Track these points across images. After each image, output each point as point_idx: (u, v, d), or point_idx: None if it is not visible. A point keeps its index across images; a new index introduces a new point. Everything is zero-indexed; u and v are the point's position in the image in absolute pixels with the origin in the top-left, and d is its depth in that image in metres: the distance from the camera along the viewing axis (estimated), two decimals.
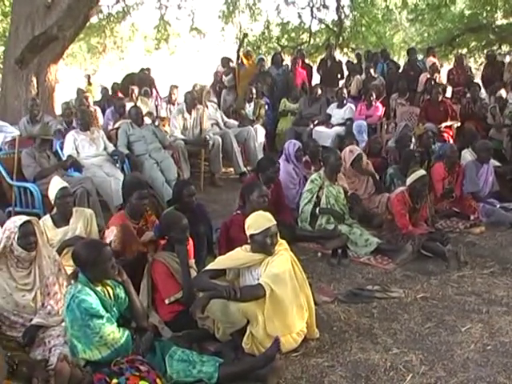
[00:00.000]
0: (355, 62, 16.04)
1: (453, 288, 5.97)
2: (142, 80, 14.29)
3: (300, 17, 21.24)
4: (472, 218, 8.17)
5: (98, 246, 4.39)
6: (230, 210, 7.17)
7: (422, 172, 7.27)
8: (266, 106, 12.75)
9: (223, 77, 14.58)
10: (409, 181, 7.23)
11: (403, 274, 6.36)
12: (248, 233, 4.78)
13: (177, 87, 13.03)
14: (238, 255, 4.86)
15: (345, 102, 12.37)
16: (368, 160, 8.82)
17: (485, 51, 19.67)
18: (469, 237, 7.62)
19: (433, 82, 12.62)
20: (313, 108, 12.59)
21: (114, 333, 4.21)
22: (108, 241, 5.15)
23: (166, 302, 4.95)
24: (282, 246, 4.84)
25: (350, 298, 5.72)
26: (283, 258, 4.70)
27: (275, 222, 4.79)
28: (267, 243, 4.68)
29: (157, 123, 11.35)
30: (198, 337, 4.79)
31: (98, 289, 4.32)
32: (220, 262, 4.92)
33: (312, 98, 12.80)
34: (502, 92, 11.94)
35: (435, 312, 5.42)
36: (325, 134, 11.68)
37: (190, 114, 10.58)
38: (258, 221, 4.78)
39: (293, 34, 22.11)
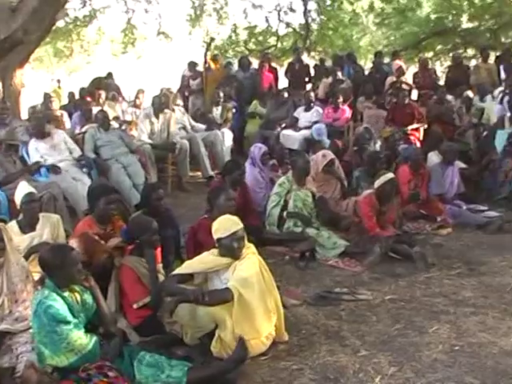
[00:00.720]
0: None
1: (420, 289, 6.01)
2: (108, 84, 14.21)
3: (267, 20, 21.24)
4: (439, 219, 8.22)
5: (64, 250, 4.35)
6: (197, 214, 7.13)
7: (390, 175, 7.33)
8: (234, 110, 12.77)
9: (190, 81, 14.57)
10: (377, 184, 7.27)
11: (371, 277, 6.40)
12: (215, 237, 4.78)
13: (143, 91, 12.98)
14: (206, 259, 4.85)
15: (312, 105, 12.40)
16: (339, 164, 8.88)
17: (450, 54, 19.91)
18: (436, 238, 7.71)
19: (399, 85, 12.73)
20: (280, 111, 12.62)
21: (81, 338, 4.17)
22: None
23: (134, 306, 4.93)
24: (250, 249, 4.84)
25: (318, 300, 5.73)
26: (251, 261, 4.71)
27: (242, 226, 4.78)
28: (234, 247, 4.68)
29: (124, 127, 11.29)
30: (166, 341, 4.77)
31: (66, 294, 4.28)
32: (188, 267, 4.90)
33: (278, 101, 12.82)
34: (469, 93, 12.11)
35: (403, 314, 5.45)
36: (292, 138, 11.70)
37: (158, 118, 10.54)
38: (225, 225, 4.78)
39: (260, 38, 22.10)
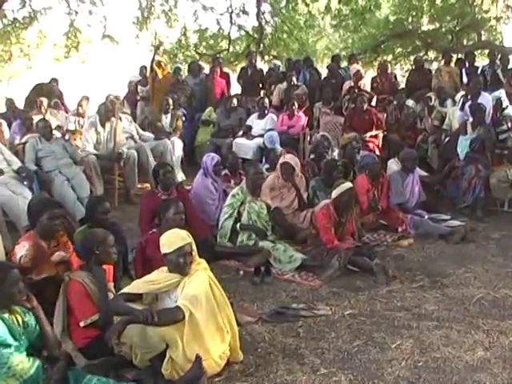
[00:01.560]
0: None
1: (381, 303, 6.06)
2: (51, 91, 14.07)
3: (219, 23, 21.24)
4: (400, 230, 8.35)
5: (4, 269, 4.30)
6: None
7: (348, 184, 7.39)
8: (184, 118, 12.75)
9: (139, 87, 14.53)
10: (334, 194, 7.33)
11: (330, 291, 6.42)
12: (162, 252, 4.78)
13: (88, 98, 12.88)
14: (155, 278, 4.82)
15: (266, 112, 12.46)
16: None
17: (411, 57, 20.14)
18: (397, 250, 7.79)
19: (357, 90, 12.85)
20: (231, 119, 12.67)
21: (23, 363, 4.12)
22: (18, 256, 5.08)
23: (82, 324, 4.87)
24: (201, 265, 4.83)
25: (274, 317, 5.73)
26: (200, 278, 4.69)
27: (190, 241, 4.78)
28: (180, 263, 4.67)
29: (67, 137, 11.19)
30: (114, 364, 4.72)
31: (6, 316, 4.23)
32: (136, 286, 4.86)
33: (228, 108, 12.87)
34: (431, 95, 12.28)
35: (364, 329, 5.48)
36: (245, 146, 11.75)
37: (104, 126, 10.42)
38: (171, 239, 4.78)
39: (211, 42, 22.10)
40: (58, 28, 23.87)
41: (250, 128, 12.29)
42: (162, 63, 15.77)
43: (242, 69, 15.96)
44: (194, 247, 4.81)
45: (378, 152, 10.83)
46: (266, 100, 12.88)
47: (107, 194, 9.66)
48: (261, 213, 7.65)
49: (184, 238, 4.78)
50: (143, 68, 15.22)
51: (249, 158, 11.05)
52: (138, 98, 14.74)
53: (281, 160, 8.60)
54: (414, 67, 15.22)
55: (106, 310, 4.86)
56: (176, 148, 11.54)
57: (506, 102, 10.79)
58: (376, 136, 11.54)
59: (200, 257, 4.92)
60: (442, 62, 14.68)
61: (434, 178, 9.83)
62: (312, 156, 10.13)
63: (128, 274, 6.14)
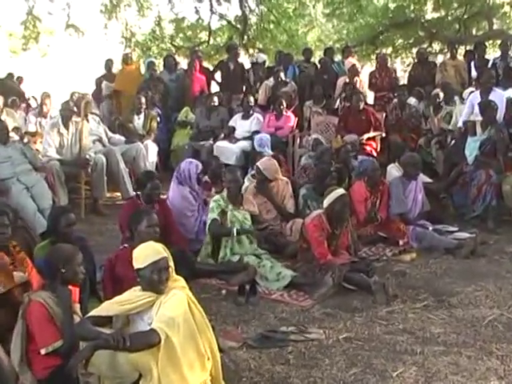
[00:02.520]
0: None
1: (381, 326, 6.05)
2: (7, 88, 14.04)
3: (197, 12, 21.36)
4: (401, 243, 8.38)
5: None
6: (116, 242, 7.12)
7: (340, 191, 7.38)
8: (158, 118, 12.77)
9: (103, 83, 14.52)
10: (326, 202, 7.32)
11: (323, 312, 6.41)
12: (135, 267, 4.76)
13: (50, 96, 12.86)
14: (127, 298, 4.80)
15: (251, 112, 12.49)
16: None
17: (413, 50, 20.20)
18: (398, 265, 7.79)
19: (352, 87, 12.89)
20: (212, 120, 12.69)
21: None
22: None
23: (43, 351, 4.82)
24: (178, 282, 4.81)
25: (261, 342, 5.73)
26: (177, 297, 4.66)
27: (166, 255, 4.74)
28: (154, 279, 4.63)
29: (26, 140, 11.17)
30: None
31: None
32: (105, 308, 4.82)
33: (208, 107, 12.91)
34: (439, 91, 12.32)
35: (361, 355, 5.46)
36: (228, 150, 11.80)
37: (67, 128, 10.39)
38: (144, 253, 4.73)
39: (189, 33, 22.17)
40: (14, 16, 23.85)
41: (232, 130, 12.31)
42: (130, 55, 15.77)
43: (220, 62, 15.95)
44: (171, 263, 4.79)
45: (376, 156, 10.85)
46: (251, 98, 12.90)
47: (72, 205, 9.63)
48: (244, 222, 7.67)
49: (159, 252, 4.74)
50: (109, 62, 15.21)
51: (231, 164, 11.04)
52: (103, 95, 14.73)
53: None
54: (417, 60, 15.24)
55: (71, 335, 4.82)
56: (150, 152, 11.56)
57: None
58: (374, 138, 11.60)
59: (178, 274, 4.91)
60: (448, 55, 14.75)
61: (440, 185, 9.88)
62: (309, 161, 10.15)
63: (96, 295, 6.14)
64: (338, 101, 13.24)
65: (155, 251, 4.73)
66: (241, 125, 12.37)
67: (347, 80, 13.39)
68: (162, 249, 4.78)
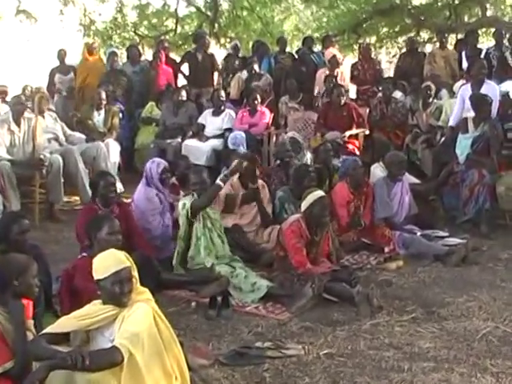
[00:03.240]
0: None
1: (365, 341, 6.05)
2: None
3: None
4: (386, 250, 8.41)
5: None
6: (74, 251, 7.09)
7: (319, 193, 7.39)
8: (121, 115, 12.74)
9: (57, 76, 14.45)
10: (304, 205, 7.34)
11: (302, 326, 6.40)
12: (95, 278, 4.74)
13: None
14: (86, 312, 4.78)
15: (222, 107, 12.48)
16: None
17: (399, 39, 20.27)
18: (383, 274, 7.83)
19: (333, 80, 12.92)
20: (179, 116, 12.68)
21: None
22: None
23: None
24: (143, 295, 4.79)
25: (234, 359, 5.71)
26: (141, 311, 4.64)
27: (128, 265, 4.71)
28: (116, 291, 4.60)
29: None
30: None
31: None
32: (62, 324, 4.79)
33: (176, 102, 12.89)
34: (430, 84, 12.35)
35: (344, 372, 5.46)
36: (197, 150, 11.83)
37: (19, 125, 10.34)
38: (105, 262, 4.70)
39: (154, 20, 22.14)
40: None
41: (202, 127, 12.30)
42: (95, 46, 15.72)
43: (187, 53, 15.94)
44: (135, 273, 4.78)
45: (358, 155, 10.87)
46: (222, 93, 12.89)
47: (25, 210, 9.58)
48: (216, 220, 7.70)
49: (121, 261, 4.70)
50: (62, 52, 15.13)
51: (201, 164, 11.04)
52: (56, 89, 14.67)
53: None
54: (406, 50, 15.31)
55: (24, 354, 4.76)
56: (111, 152, 11.52)
57: None
58: (356, 136, 11.64)
59: (142, 285, 4.90)
60: (437, 45, 14.80)
61: (428, 187, 9.93)
62: (278, 162, 10.17)
63: (52, 310, 6.10)
64: (318, 95, 13.24)
65: (117, 260, 4.70)
66: (211, 122, 12.38)
67: (327, 72, 13.40)
68: (124, 257, 4.75)
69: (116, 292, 4.59)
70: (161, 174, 8.44)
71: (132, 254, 4.96)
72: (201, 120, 12.50)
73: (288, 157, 9.78)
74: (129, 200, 8.90)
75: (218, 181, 7.59)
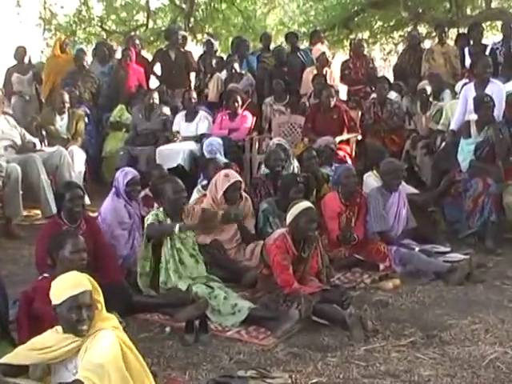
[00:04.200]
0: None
1: (359, 368, 6.03)
2: None
3: None
4: (382, 267, 8.42)
5: None
6: (34, 272, 7.07)
7: (305, 204, 7.37)
8: (87, 119, 12.70)
9: (14, 76, 14.42)
10: (289, 217, 7.32)
11: (288, 352, 6.39)
12: (52, 303, 4.71)
13: None
14: (46, 342, 4.74)
15: (196, 111, 12.48)
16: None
17: (395, 34, 20.33)
18: (378, 294, 7.80)
19: (322, 80, 12.94)
20: (152, 121, 12.68)
21: None
22: None
23: None
24: (109, 322, 4.75)
25: None
26: (106, 340, 4.59)
27: (88, 288, 4.68)
28: (72, 319, 4.57)
29: None
30: None
31: None
32: (20, 355, 4.77)
33: (148, 106, 12.87)
34: (426, 85, 12.35)
35: None
36: (173, 152, 11.85)
37: None
38: (61, 286, 4.70)
39: (123, 14, 22.15)
40: None
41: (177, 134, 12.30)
42: (67, 42, 15.68)
43: (159, 51, 15.97)
44: (100, 297, 4.77)
45: (350, 163, 10.88)
46: (194, 94, 12.88)
47: None
48: (186, 238, 7.67)
49: (79, 285, 4.67)
50: (20, 49, 15.05)
51: (178, 165, 11.12)
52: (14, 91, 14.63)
53: (221, 176, 8.63)
54: (407, 46, 15.39)
55: None
56: (76, 160, 11.49)
57: None
58: (348, 141, 11.65)
59: (111, 309, 4.88)
60: (436, 40, 14.83)
61: (428, 197, 9.93)
62: (265, 171, 10.17)
63: (8, 337, 6.07)
64: (305, 97, 13.27)
65: (74, 284, 4.67)
66: (185, 128, 12.40)
67: (315, 71, 13.45)
68: (84, 280, 4.72)
69: (72, 319, 4.57)
70: (127, 185, 8.45)
71: (99, 274, 4.94)
72: (175, 127, 12.53)
73: (280, 166, 9.77)
74: (95, 214, 8.86)
75: (176, 226, 7.49)
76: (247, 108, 12.67)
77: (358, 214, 8.80)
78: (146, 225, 7.66)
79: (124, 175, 8.51)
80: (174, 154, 11.78)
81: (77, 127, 12.17)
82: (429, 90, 12.21)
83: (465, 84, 11.29)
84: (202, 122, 12.40)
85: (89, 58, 14.90)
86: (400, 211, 8.98)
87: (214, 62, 14.89)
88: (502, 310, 7.25)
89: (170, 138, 12.30)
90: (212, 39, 16.74)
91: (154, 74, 15.58)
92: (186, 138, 12.23)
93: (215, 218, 8.28)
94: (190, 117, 12.47)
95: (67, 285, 4.67)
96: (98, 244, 7.37)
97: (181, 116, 12.61)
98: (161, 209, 7.80)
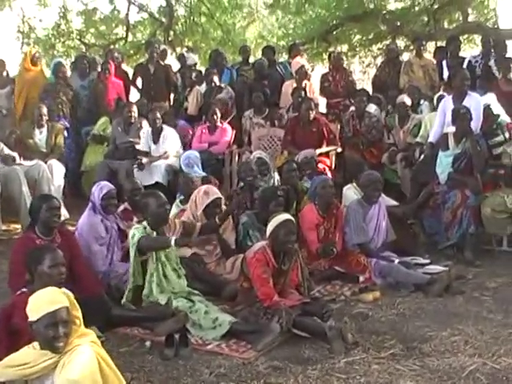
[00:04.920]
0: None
1: (339, 380, 6.03)
2: None
3: (112, 2, 21.29)
4: (362, 279, 8.42)
5: None
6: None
7: (284, 216, 7.37)
8: (66, 133, 12.66)
9: None
10: (269, 230, 7.31)
11: (269, 365, 6.37)
12: (28, 320, 4.68)
13: None
14: (24, 358, 4.69)
15: (160, 129, 12.37)
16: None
17: (374, 47, 20.38)
18: (358, 307, 7.81)
19: (302, 93, 12.95)
20: (131, 134, 12.63)
21: None
22: None
23: None
24: (87, 337, 4.70)
25: None
26: (84, 356, 4.55)
27: (64, 304, 4.62)
28: (48, 336, 4.51)
29: None
30: None
31: None
32: None
33: (126, 119, 12.81)
34: (405, 98, 12.35)
35: None
36: (153, 167, 11.82)
37: None
38: (37, 303, 4.63)
39: (102, 27, 22.11)
40: None
41: (146, 154, 12.29)
42: (38, 56, 15.61)
43: (139, 65, 15.89)
44: (78, 312, 4.72)
45: (330, 175, 10.85)
46: (158, 114, 12.65)
47: None
48: (170, 253, 7.62)
49: (55, 301, 4.61)
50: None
51: (157, 182, 11.17)
52: None
53: (200, 192, 8.61)
54: (386, 59, 15.42)
55: None
56: (55, 174, 11.44)
57: (497, 109, 10.83)
58: (327, 154, 11.64)
59: (91, 323, 4.84)
60: (414, 53, 14.87)
61: (407, 209, 9.94)
62: (242, 184, 10.17)
63: None
64: (284, 110, 13.27)
65: (50, 300, 4.62)
66: (155, 149, 12.32)
67: (294, 84, 13.45)
68: (60, 296, 4.67)
69: (49, 336, 4.51)
70: (102, 199, 8.42)
71: (77, 288, 4.92)
72: (143, 147, 12.45)
73: (252, 178, 9.76)
74: (74, 228, 8.82)
75: (172, 240, 7.40)
76: (231, 121, 12.65)
77: (336, 225, 8.80)
78: (132, 239, 7.56)
79: (99, 189, 8.48)
80: (151, 170, 11.77)
81: (56, 141, 12.11)
82: (408, 103, 12.22)
83: (440, 96, 11.35)
84: (166, 140, 12.30)
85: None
86: (380, 223, 9.00)
87: (193, 75, 14.90)
88: (481, 321, 7.28)
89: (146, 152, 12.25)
90: (186, 53, 16.75)
91: (135, 86, 15.53)
92: (154, 160, 12.13)
93: (194, 229, 8.25)
94: (156, 137, 12.37)
95: (44, 301, 4.61)
96: (75, 257, 7.32)
97: (148, 135, 12.50)
98: (145, 222, 7.77)
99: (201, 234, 8.34)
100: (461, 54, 14.39)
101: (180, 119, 13.35)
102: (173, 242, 7.33)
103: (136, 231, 7.56)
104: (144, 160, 12.00)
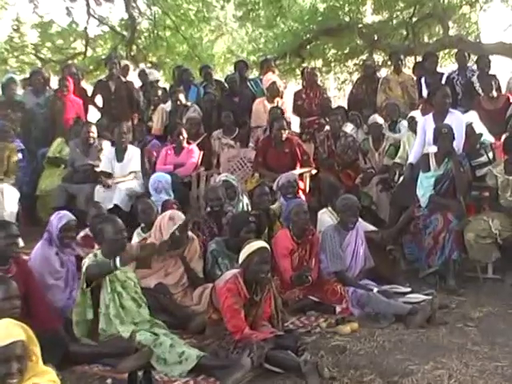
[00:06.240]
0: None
1: None
2: None
3: (69, 14, 21.26)
4: (338, 309, 8.42)
5: None
6: None
7: (259, 243, 7.36)
8: (20, 155, 12.60)
9: None
10: (241, 257, 7.27)
11: None
12: None
13: None
14: None
15: (124, 147, 12.31)
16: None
17: (349, 62, 20.46)
18: (335, 339, 7.79)
19: (278, 112, 12.94)
20: (91, 155, 12.58)
21: None
22: None
23: None
24: (46, 376, 4.68)
25: None
26: None
27: (19, 339, 4.55)
28: (0, 373, 4.45)
29: None
30: None
31: None
32: None
33: (84, 140, 12.74)
34: (377, 118, 12.43)
35: None
36: (111, 195, 11.73)
37: None
38: None
39: (59, 41, 22.06)
40: None
41: (108, 175, 12.21)
42: None
43: (99, 82, 15.85)
44: (36, 348, 4.68)
45: (304, 198, 10.83)
46: (125, 128, 12.60)
47: None
48: (127, 281, 7.60)
49: (8, 335, 4.53)
50: None
51: (118, 206, 11.16)
52: None
53: (165, 218, 8.59)
54: (362, 75, 15.50)
55: None
56: (8, 199, 11.39)
57: (479, 127, 10.91)
58: (301, 176, 11.65)
59: (48, 361, 4.81)
60: (392, 69, 14.93)
61: (386, 234, 9.94)
62: (208, 209, 10.14)
63: None
64: (255, 129, 13.29)
65: (3, 334, 4.53)
66: (120, 169, 12.25)
67: (266, 102, 13.48)
68: (15, 330, 4.61)
69: (0, 373, 4.44)
70: (60, 231, 8.31)
71: (32, 321, 4.87)
72: (105, 167, 12.35)
73: (219, 205, 9.76)
74: (28, 257, 8.76)
75: (117, 260, 7.17)
76: (201, 142, 12.66)
77: (310, 252, 8.81)
78: (83, 268, 7.52)
79: (58, 219, 8.37)
80: (112, 193, 11.70)
81: (9, 163, 12.04)
82: (380, 122, 12.29)
83: (411, 118, 11.53)
84: (132, 159, 12.29)
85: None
86: (357, 250, 9.01)
87: (159, 92, 14.91)
88: (465, 353, 7.26)
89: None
90: (147, 69, 16.76)
91: (95, 105, 15.48)
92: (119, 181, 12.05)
93: (153, 250, 8.22)
94: (121, 155, 12.32)
95: None
96: (30, 288, 7.23)
97: (111, 155, 12.41)
98: (99, 250, 7.72)
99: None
100: (440, 69, 14.48)
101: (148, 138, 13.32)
102: (118, 263, 7.21)
103: (87, 260, 7.51)
104: (109, 181, 11.93)
